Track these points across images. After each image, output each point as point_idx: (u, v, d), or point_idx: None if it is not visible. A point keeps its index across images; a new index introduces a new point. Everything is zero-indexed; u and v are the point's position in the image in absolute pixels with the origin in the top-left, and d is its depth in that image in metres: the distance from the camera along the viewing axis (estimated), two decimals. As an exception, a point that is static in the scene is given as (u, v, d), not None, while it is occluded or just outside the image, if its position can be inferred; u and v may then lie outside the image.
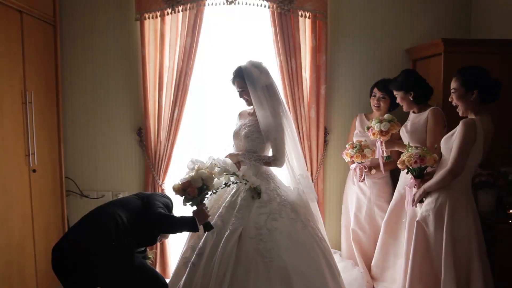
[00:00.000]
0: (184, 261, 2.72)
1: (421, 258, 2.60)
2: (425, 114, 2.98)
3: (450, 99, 2.60)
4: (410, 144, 3.02)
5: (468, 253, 2.51)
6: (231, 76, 2.89)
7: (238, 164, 2.86)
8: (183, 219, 2.54)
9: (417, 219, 2.63)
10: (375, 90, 3.36)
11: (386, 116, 3.11)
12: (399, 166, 2.75)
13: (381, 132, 3.07)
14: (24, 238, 2.99)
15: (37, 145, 3.08)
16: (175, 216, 2.58)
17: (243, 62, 2.86)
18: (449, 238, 2.49)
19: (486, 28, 3.48)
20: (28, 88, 3.04)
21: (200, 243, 2.63)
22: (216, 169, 2.69)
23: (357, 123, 3.49)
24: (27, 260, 3.03)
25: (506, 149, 3.14)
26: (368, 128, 3.17)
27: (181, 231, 2.62)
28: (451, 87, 2.56)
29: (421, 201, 2.67)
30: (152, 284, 2.51)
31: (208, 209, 2.64)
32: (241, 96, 2.90)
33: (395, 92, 3.10)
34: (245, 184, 2.71)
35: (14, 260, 2.87)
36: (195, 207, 2.58)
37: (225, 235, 2.56)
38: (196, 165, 2.66)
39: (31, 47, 3.09)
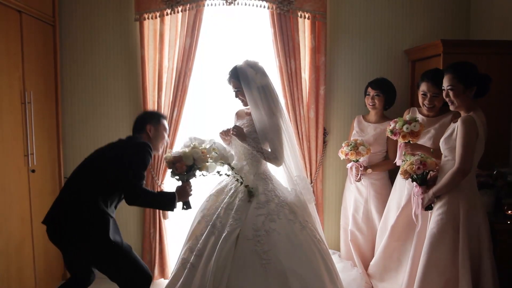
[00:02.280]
0: (182, 262, 2.69)
1: (436, 271, 2.52)
2: (447, 117, 2.95)
3: (445, 96, 2.54)
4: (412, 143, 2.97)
5: (478, 251, 2.48)
6: (227, 76, 2.88)
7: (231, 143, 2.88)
8: (161, 195, 2.48)
9: (433, 231, 2.53)
10: (369, 89, 3.36)
11: (408, 116, 2.93)
12: (402, 176, 2.70)
13: (412, 134, 2.85)
14: (23, 239, 2.99)
15: (36, 145, 3.09)
16: (153, 193, 2.49)
17: (239, 62, 2.84)
18: (465, 239, 2.44)
19: (485, 29, 3.49)
20: (27, 88, 3.03)
21: (199, 244, 2.62)
22: (214, 154, 2.65)
23: (355, 124, 3.50)
24: (26, 261, 3.03)
25: (505, 150, 3.14)
26: (392, 132, 2.94)
27: (158, 208, 2.57)
28: (447, 84, 2.50)
29: (428, 207, 2.63)
30: (136, 274, 2.47)
31: (205, 209, 2.65)
32: (236, 96, 2.88)
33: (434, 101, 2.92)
34: (237, 180, 2.72)
35: (13, 260, 2.87)
36: (180, 183, 2.57)
37: (223, 236, 2.55)
38: (194, 143, 2.61)
39: (31, 47, 3.09)
